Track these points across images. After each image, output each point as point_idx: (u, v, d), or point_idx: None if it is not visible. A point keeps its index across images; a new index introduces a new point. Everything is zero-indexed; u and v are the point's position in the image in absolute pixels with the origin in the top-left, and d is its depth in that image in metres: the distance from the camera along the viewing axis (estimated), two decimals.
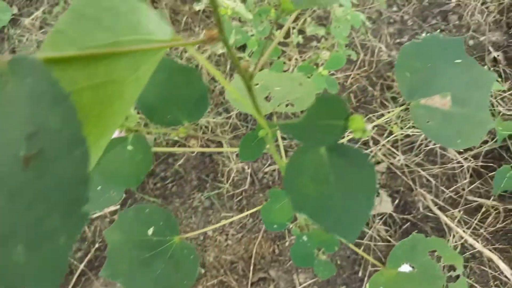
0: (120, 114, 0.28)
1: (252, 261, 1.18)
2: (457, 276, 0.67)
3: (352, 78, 1.44)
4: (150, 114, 0.56)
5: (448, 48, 0.64)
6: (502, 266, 1.00)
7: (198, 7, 1.16)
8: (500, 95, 1.21)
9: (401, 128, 1.18)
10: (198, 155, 1.40)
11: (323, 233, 0.86)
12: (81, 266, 1.26)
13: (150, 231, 0.63)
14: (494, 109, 1.20)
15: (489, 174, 1.18)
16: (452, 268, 0.67)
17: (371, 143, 1.23)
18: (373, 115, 1.30)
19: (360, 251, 0.73)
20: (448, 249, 0.66)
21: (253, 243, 1.21)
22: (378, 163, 1.22)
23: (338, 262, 1.13)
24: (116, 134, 0.52)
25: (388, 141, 1.22)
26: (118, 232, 0.63)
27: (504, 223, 1.12)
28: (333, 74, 1.44)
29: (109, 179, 0.50)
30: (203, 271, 1.19)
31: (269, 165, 1.36)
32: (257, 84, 0.67)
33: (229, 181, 1.33)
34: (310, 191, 0.41)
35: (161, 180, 1.37)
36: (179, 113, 0.57)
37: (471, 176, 1.19)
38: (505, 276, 1.05)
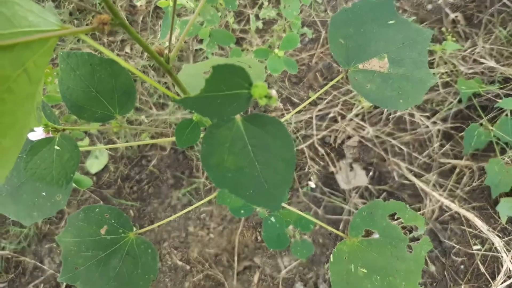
0: (18, 111, 0.27)
1: (236, 251, 1.18)
2: (420, 237, 0.66)
3: (317, 57, 1.43)
4: (78, 111, 0.55)
5: (379, 10, 0.63)
6: (479, 223, 1.00)
7: (139, 2, 1.15)
8: (461, 54, 1.20)
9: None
10: (172, 153, 1.39)
11: (292, 212, 0.86)
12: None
13: (102, 231, 0.62)
14: (456, 70, 1.19)
15: (460, 135, 1.18)
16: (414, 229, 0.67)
17: (339, 119, 1.23)
18: (339, 91, 1.29)
19: (328, 226, 0.73)
20: (407, 211, 0.65)
21: (235, 233, 1.21)
22: (349, 138, 1.22)
23: (320, 240, 1.13)
24: (43, 135, 0.51)
25: (356, 115, 1.21)
26: (70, 235, 0.62)
27: (479, 181, 1.12)
28: (297, 55, 1.43)
29: (40, 181, 0.49)
30: (188, 267, 1.19)
31: None
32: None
33: (205, 175, 1.32)
34: (229, 165, 0.40)
35: (137, 183, 1.36)
36: (109, 107, 0.55)
37: (441, 139, 1.18)
38: (485, 234, 1.05)
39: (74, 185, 1.10)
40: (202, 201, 0.71)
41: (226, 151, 0.40)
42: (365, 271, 0.64)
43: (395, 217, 0.67)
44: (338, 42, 0.62)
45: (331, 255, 0.65)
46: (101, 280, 0.61)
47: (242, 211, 0.83)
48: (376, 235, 0.68)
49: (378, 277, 0.64)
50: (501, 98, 1.12)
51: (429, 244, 0.66)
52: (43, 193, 0.60)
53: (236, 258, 1.17)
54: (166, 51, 0.46)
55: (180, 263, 1.20)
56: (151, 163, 1.38)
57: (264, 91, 0.37)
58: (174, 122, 1.43)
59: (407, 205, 0.66)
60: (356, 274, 0.64)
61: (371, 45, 0.64)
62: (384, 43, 0.64)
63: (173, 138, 0.59)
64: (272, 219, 0.84)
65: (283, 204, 0.80)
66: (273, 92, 0.38)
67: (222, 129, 0.40)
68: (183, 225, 1.26)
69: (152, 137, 1.43)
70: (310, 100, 0.67)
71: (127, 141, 1.43)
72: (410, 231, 0.75)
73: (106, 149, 1.43)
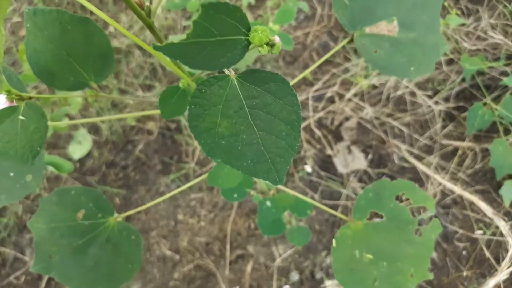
0: None
1: (228, 239, 1.12)
2: (430, 218, 0.61)
3: (312, 35, 1.36)
4: (48, 78, 0.48)
5: None
6: (483, 206, 0.95)
7: None
8: (464, 30, 1.14)
9: (366, 77, 1.11)
10: (159, 138, 1.31)
11: (289, 196, 0.80)
12: None
13: (79, 215, 0.55)
14: (459, 46, 1.13)
15: (462, 115, 1.13)
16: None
17: (336, 99, 1.17)
18: (337, 70, 1.23)
19: (329, 209, 0.67)
20: (417, 190, 0.60)
21: (227, 221, 1.15)
22: (347, 119, 1.16)
23: (317, 227, 1.08)
24: (6, 104, 0.44)
25: (355, 94, 1.15)
26: (43, 221, 0.55)
27: (482, 163, 1.07)
28: (292, 34, 1.36)
29: (2, 156, 0.42)
30: (177, 257, 1.13)
31: None
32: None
33: (195, 160, 1.25)
34: (222, 130, 0.33)
35: (123, 169, 1.28)
36: (83, 73, 0.48)
37: (443, 120, 1.13)
38: (489, 218, 1.01)
39: (54, 170, 1.03)
40: (191, 183, 0.65)
41: (218, 114, 0.33)
42: (371, 257, 0.58)
43: (403, 199, 0.61)
44: (342, 2, 0.55)
45: (334, 240, 0.59)
46: (78, 270, 0.54)
47: (235, 195, 0.77)
48: (379, 219, 0.63)
49: (385, 263, 0.58)
50: (506, 76, 1.07)
51: (439, 227, 0.61)
52: (11, 174, 0.53)
53: (228, 246, 1.11)
54: (147, 3, 0.40)
55: (169, 252, 1.14)
56: (137, 148, 1.31)
57: (265, 36, 0.30)
58: None
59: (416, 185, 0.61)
60: (361, 261, 0.58)
61: (379, 7, 0.57)
62: (393, 4, 0.58)
63: (158, 111, 0.52)
64: (268, 203, 0.78)
65: (280, 187, 0.74)
66: (276, 39, 0.31)
67: (214, 87, 0.33)
68: (172, 213, 1.20)
69: (139, 121, 1.35)
70: (308, 71, 0.61)
71: (111, 125, 1.36)
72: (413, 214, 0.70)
73: (89, 132, 1.35)
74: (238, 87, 0.33)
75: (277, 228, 0.80)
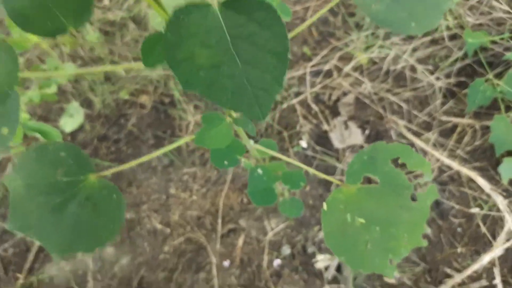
0: None
1: (220, 213, 1.10)
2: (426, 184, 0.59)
3: (312, 10, 1.32)
4: (25, 23, 0.44)
5: None
6: (481, 182, 0.93)
7: None
8: (468, 4, 1.11)
9: (366, 50, 1.08)
10: (153, 112, 1.28)
11: (281, 165, 0.77)
12: (37, 242, 1.16)
13: (58, 172, 0.52)
14: (463, 20, 1.10)
15: (463, 92, 1.10)
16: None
17: (335, 74, 1.14)
18: (338, 44, 1.19)
19: (326, 176, 0.65)
20: (413, 154, 0.57)
21: (220, 195, 1.13)
22: (345, 94, 1.13)
23: (310, 202, 1.05)
24: None
25: (353, 68, 1.12)
26: (20, 178, 0.52)
27: (482, 140, 1.04)
28: (291, 8, 1.32)
29: None
30: (168, 230, 1.11)
31: None
32: None
33: (189, 134, 1.23)
34: (202, 61, 0.30)
35: (115, 143, 1.26)
36: (60, 16, 0.45)
37: (443, 96, 1.10)
38: (486, 194, 0.99)
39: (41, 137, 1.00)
40: (174, 145, 0.62)
41: (198, 44, 0.30)
42: (364, 221, 0.56)
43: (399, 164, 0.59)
44: None
45: (324, 203, 0.57)
46: (56, 229, 0.52)
47: (225, 162, 0.74)
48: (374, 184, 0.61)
49: (378, 228, 0.56)
50: (509, 52, 1.04)
51: (436, 193, 0.59)
52: None
53: (220, 220, 1.09)
54: None
55: (159, 226, 1.12)
56: (130, 122, 1.28)
57: None
58: (155, 78, 1.32)
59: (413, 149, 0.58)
60: (353, 225, 0.56)
61: None
62: None
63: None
64: (259, 170, 0.75)
65: (274, 153, 0.72)
66: None
67: (193, 16, 0.30)
68: (163, 187, 1.17)
69: (132, 94, 1.32)
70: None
71: (104, 99, 1.32)
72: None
73: (81, 105, 1.32)
74: (220, 16, 0.30)
75: (268, 198, 0.78)
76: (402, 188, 0.57)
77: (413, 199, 0.55)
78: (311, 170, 0.65)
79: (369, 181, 0.59)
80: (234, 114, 0.58)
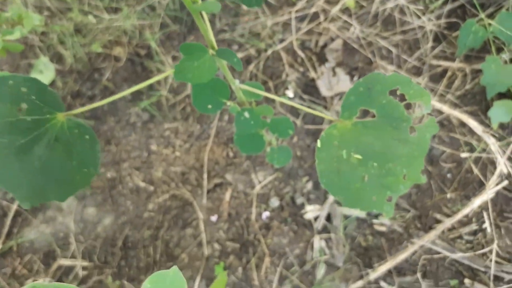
0: None
1: (205, 168, 1.05)
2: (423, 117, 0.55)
3: None
4: None
5: None
6: (473, 124, 0.91)
7: None
8: None
9: None
10: (128, 65, 1.20)
11: (269, 108, 0.73)
12: (15, 206, 1.10)
13: (21, 110, 0.46)
14: None
15: (453, 35, 1.06)
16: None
17: (321, 17, 1.07)
18: None
19: (316, 112, 0.60)
20: (412, 85, 0.53)
21: (204, 150, 1.08)
22: (332, 40, 1.07)
23: (298, 153, 1.02)
24: None
25: (341, 11, 1.06)
26: None
27: (472, 84, 1.02)
28: None
29: None
30: (152, 188, 1.06)
31: None
32: None
33: (167, 88, 1.16)
34: None
35: (89, 100, 1.18)
36: None
37: (434, 40, 1.06)
38: (477, 139, 0.97)
39: None
40: (152, 80, 0.56)
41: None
42: (360, 157, 0.53)
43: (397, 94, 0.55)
44: None
45: (318, 141, 0.53)
46: (23, 173, 0.47)
47: (209, 106, 0.69)
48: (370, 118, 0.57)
49: (375, 163, 0.53)
50: None
51: (435, 126, 0.56)
52: None
53: (205, 176, 1.05)
54: None
55: (142, 184, 1.07)
56: (104, 76, 1.19)
57: None
58: (130, 28, 1.22)
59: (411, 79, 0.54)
60: (349, 161, 0.53)
61: None
62: None
63: None
64: (246, 114, 0.70)
65: (261, 92, 0.66)
66: None
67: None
68: (144, 144, 1.12)
69: (105, 47, 1.23)
70: None
71: (75, 53, 1.23)
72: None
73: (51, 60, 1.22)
74: None
75: (256, 144, 0.73)
76: (400, 121, 0.53)
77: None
78: (303, 107, 0.60)
79: (365, 115, 0.55)
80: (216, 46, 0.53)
